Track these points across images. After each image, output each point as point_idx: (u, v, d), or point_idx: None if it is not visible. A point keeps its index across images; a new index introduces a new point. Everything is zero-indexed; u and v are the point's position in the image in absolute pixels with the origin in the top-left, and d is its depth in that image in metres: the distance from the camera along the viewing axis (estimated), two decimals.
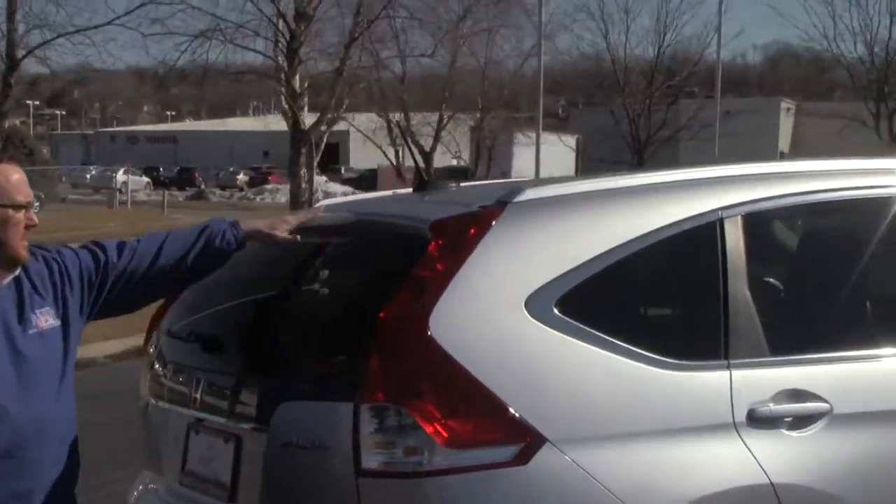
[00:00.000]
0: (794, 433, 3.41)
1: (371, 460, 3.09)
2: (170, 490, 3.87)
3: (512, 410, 3.08)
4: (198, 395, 3.66)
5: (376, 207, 4.12)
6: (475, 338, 3.15)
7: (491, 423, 3.08)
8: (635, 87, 43.31)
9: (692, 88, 46.47)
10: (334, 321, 3.41)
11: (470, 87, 32.34)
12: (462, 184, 4.25)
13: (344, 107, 20.58)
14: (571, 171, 44.44)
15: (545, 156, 36.70)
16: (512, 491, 3.05)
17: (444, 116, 32.37)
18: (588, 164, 47.28)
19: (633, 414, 3.24)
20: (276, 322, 3.64)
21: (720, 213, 3.53)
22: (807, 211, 3.80)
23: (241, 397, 3.54)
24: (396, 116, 31.66)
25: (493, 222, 3.30)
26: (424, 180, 4.05)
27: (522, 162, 43.22)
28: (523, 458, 3.07)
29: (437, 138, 32.31)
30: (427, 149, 32.05)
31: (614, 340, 3.26)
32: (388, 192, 4.64)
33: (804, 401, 3.43)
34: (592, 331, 3.24)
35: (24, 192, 3.36)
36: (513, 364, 3.16)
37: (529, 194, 3.42)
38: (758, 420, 3.35)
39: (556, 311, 3.23)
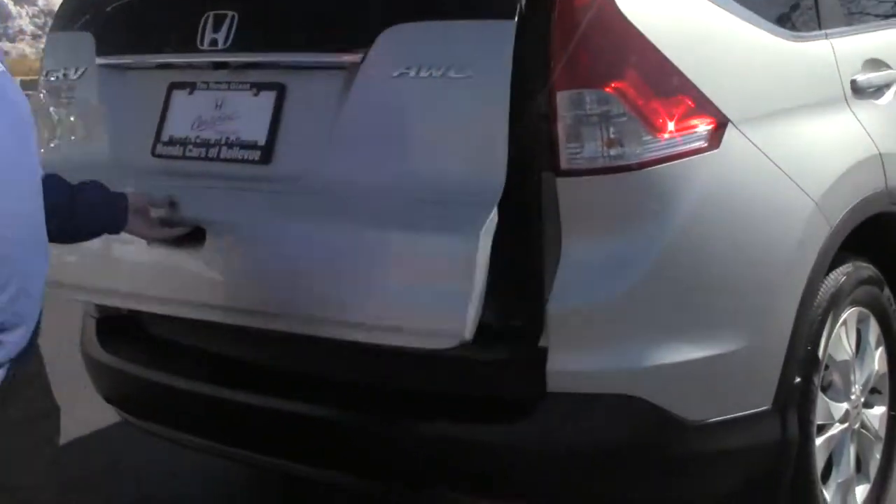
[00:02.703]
0: (878, 101, 3.37)
1: (570, 157, 2.66)
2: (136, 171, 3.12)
3: (701, 90, 2.76)
4: (205, 36, 2.94)
5: None
6: (652, 13, 2.76)
7: (686, 106, 2.75)
8: None
9: None
10: None
11: None
12: None
13: None
14: None
15: None
16: (710, 177, 2.76)
17: None
18: None
19: (782, 89, 3.04)
20: None
21: None
22: None
23: (294, 32, 2.90)
24: None
25: None
26: None
27: None
28: (715, 141, 2.78)
29: None
30: None
31: (749, 11, 3.00)
32: None
33: (880, 69, 3.39)
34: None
35: None
36: (688, 40, 2.83)
37: None
38: (858, 91, 3.28)
39: None
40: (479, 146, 2.61)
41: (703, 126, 2.75)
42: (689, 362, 2.71)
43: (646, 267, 2.67)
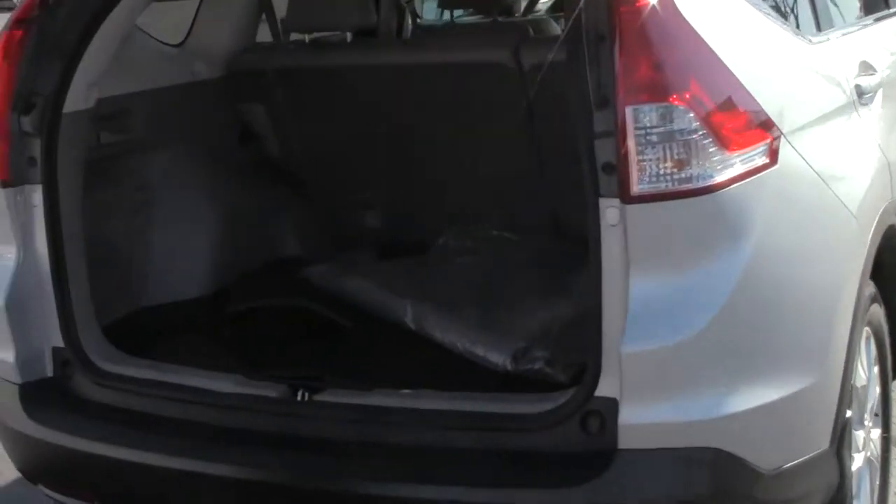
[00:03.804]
0: (873, 107, 3.19)
1: (640, 181, 2.32)
2: None
3: (757, 101, 2.48)
4: None
5: None
6: (708, 18, 2.45)
7: (748, 119, 2.45)
8: None
9: None
10: None
11: None
12: None
13: None
14: None
15: None
16: (773, 196, 2.47)
17: None
18: None
19: (813, 96, 2.81)
20: None
21: None
22: None
23: None
24: None
25: None
26: None
27: None
28: (774, 157, 2.49)
29: None
30: None
31: (774, 12, 2.76)
32: None
33: (870, 72, 3.21)
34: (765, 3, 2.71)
35: None
36: (740, 47, 2.54)
37: None
38: (860, 95, 3.08)
39: None
40: None
41: (763, 140, 2.46)
42: (764, 406, 2.41)
43: (722, 301, 2.35)
